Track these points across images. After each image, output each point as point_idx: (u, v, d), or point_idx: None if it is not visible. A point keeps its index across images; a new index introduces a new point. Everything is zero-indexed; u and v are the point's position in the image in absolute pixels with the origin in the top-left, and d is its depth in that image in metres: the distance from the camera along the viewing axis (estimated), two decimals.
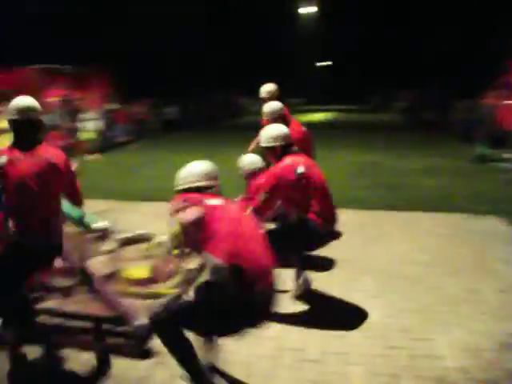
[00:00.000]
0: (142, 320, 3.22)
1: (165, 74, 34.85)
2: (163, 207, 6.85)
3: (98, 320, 3.43)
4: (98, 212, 6.76)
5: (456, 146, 14.14)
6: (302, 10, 48.39)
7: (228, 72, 43.58)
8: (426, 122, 22.69)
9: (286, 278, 3.95)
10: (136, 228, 5.12)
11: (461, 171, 10.30)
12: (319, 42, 64.41)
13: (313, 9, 47.95)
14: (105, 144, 16.25)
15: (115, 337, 3.47)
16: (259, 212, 3.67)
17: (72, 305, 3.62)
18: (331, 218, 3.96)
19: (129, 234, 4.96)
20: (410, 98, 30.02)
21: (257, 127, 4.86)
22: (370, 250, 5.39)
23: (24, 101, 3.29)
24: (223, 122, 30.46)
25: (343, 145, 15.67)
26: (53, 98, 17.48)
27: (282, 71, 50.02)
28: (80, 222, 5.01)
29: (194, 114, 27.33)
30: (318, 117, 34.82)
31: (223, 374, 3.08)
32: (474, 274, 4.65)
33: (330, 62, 75.20)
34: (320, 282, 4.47)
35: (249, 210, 3.56)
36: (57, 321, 3.64)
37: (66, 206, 3.83)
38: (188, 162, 3.06)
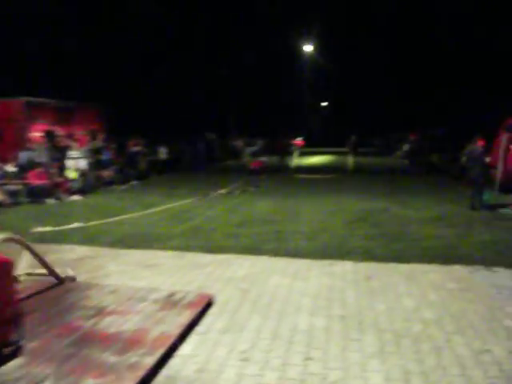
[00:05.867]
0: None
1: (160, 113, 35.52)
2: (145, 256, 6.89)
3: None
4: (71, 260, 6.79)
5: (462, 192, 14.18)
6: (307, 49, 49.86)
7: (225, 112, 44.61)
8: (433, 166, 22.93)
9: None
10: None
11: (469, 219, 10.32)
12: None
13: (309, 48, 49.63)
14: (89, 184, 16.22)
15: None
16: None
17: None
18: None
19: None
20: (416, 141, 30.65)
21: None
22: (371, 306, 5.29)
23: None
24: (216, 164, 30.88)
25: (347, 190, 15.83)
26: (37, 133, 17.60)
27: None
28: None
29: (187, 154, 27.60)
30: (318, 160, 35.24)
31: None
32: (485, 333, 4.55)
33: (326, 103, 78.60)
34: (315, 341, 4.37)
35: None
36: None
37: None
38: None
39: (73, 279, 6.06)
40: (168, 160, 24.71)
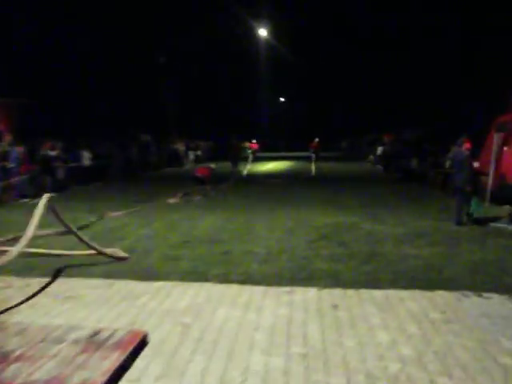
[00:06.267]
0: None
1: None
2: (63, 286, 6.70)
3: None
4: None
5: (446, 202, 14.44)
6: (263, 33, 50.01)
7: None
8: (411, 172, 23.37)
9: None
10: None
11: (455, 236, 10.51)
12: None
13: (263, 32, 49.66)
14: None
15: None
16: None
17: None
18: None
19: None
20: (391, 144, 31.21)
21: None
22: (338, 341, 5.29)
23: None
24: (153, 171, 30.73)
25: (309, 202, 15.92)
26: None
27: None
28: None
29: (117, 160, 27.32)
30: (276, 166, 35.44)
31: None
32: (477, 374, 4.58)
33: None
34: None
35: None
36: None
37: None
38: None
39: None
40: (92, 167, 24.36)
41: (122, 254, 8.84)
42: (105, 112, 36.09)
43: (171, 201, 16.56)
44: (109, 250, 8.73)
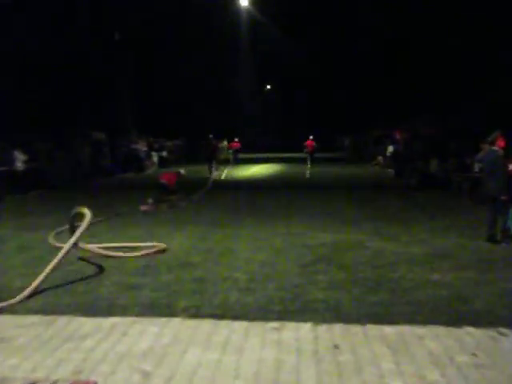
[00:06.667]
0: None
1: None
2: None
3: None
4: None
5: (475, 215, 14.46)
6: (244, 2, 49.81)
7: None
8: (430, 177, 23.42)
9: None
10: None
11: (487, 257, 10.52)
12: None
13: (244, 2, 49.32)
14: None
15: None
16: None
17: None
18: None
19: None
20: (404, 142, 31.36)
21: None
22: None
23: None
24: (107, 177, 30.63)
25: (302, 215, 15.91)
26: None
27: None
28: None
29: (60, 163, 27.19)
30: (261, 169, 35.45)
31: None
32: None
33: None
34: None
35: None
36: None
37: None
38: None
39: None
40: (27, 171, 24.07)
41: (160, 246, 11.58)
42: (45, 102, 35.69)
43: (128, 214, 16.48)
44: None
